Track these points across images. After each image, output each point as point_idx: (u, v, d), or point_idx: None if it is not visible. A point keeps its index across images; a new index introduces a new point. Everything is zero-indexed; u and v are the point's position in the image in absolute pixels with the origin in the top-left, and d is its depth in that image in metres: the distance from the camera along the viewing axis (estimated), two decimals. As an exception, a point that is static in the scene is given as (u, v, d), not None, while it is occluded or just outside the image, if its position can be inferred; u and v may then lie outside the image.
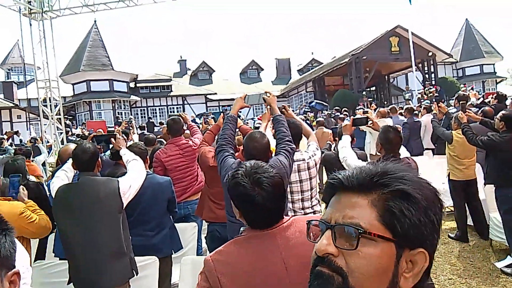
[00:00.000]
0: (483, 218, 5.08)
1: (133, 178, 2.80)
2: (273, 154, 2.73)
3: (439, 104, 5.43)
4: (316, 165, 3.27)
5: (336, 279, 0.71)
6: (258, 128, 8.10)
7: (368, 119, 3.73)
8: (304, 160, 3.23)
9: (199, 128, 6.10)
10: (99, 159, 2.87)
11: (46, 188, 4.03)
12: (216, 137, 4.05)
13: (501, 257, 4.49)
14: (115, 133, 3.50)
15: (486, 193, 4.79)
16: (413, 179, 0.75)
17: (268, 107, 3.16)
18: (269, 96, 3.12)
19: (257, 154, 2.56)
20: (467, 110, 5.16)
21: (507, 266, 4.20)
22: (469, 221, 5.24)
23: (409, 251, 0.73)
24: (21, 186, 3.08)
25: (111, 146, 3.39)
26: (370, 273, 0.71)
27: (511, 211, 4.17)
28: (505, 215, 4.22)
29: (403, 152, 3.48)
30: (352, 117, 3.91)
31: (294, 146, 2.81)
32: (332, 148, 4.78)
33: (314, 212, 3.25)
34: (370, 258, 0.71)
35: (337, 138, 4.44)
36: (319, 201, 3.34)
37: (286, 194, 2.75)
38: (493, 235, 4.71)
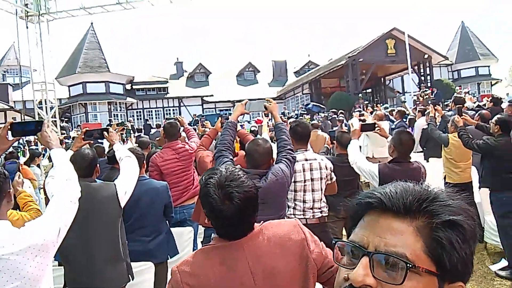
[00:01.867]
0: (478, 221, 5.11)
1: (128, 179, 2.77)
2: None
3: (435, 107, 5.48)
4: (327, 168, 3.32)
5: None
6: (254, 131, 8.09)
7: (376, 125, 3.83)
8: (316, 159, 3.29)
9: (195, 130, 6.11)
10: (97, 164, 2.86)
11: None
12: (214, 142, 4.07)
13: (496, 260, 4.52)
14: (107, 127, 3.40)
15: (481, 196, 4.82)
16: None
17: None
18: (270, 104, 3.13)
19: (259, 159, 2.61)
20: (463, 113, 5.20)
21: (501, 269, 4.23)
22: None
23: (448, 284, 0.67)
24: (18, 173, 3.03)
25: (107, 144, 3.31)
26: None
27: (506, 215, 4.20)
28: (500, 219, 4.24)
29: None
30: (360, 122, 3.97)
31: (295, 155, 2.85)
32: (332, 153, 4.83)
33: (321, 213, 3.28)
34: None
35: (335, 142, 4.46)
36: (326, 205, 3.38)
37: (280, 206, 2.76)
38: (488, 238, 4.74)
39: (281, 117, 3.25)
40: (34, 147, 11.31)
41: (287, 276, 1.49)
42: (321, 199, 3.30)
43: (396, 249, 0.65)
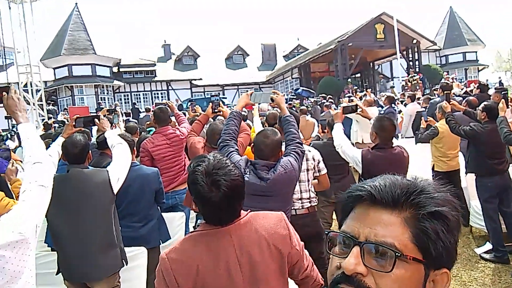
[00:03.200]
0: (464, 205, 5.23)
1: (121, 166, 2.77)
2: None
3: (451, 102, 5.10)
4: (314, 160, 3.31)
5: None
6: (244, 116, 8.06)
7: (358, 106, 3.82)
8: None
9: (186, 115, 6.08)
10: (90, 151, 2.84)
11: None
12: (204, 129, 4.05)
13: (481, 244, 4.65)
14: (98, 114, 3.36)
15: (467, 181, 4.92)
16: (446, 198, 0.73)
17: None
18: (277, 96, 3.01)
19: (267, 151, 2.55)
20: (451, 100, 5.24)
21: (486, 252, 4.36)
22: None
23: (433, 271, 0.72)
24: (11, 161, 2.99)
25: (96, 129, 3.26)
26: None
27: (490, 200, 4.32)
28: (485, 203, 4.35)
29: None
30: (342, 105, 3.96)
31: (304, 149, 2.75)
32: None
33: (310, 202, 3.30)
34: (402, 281, 0.68)
35: (327, 129, 4.47)
36: (316, 196, 3.39)
37: (288, 199, 2.68)
38: (473, 222, 4.86)
39: (270, 103, 3.20)
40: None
41: (269, 268, 1.55)
42: (308, 190, 3.31)
43: (385, 239, 0.69)
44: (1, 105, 1.91)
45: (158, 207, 3.56)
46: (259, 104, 4.19)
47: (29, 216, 1.63)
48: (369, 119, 3.91)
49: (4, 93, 1.88)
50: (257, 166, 2.46)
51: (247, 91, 3.31)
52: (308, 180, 3.31)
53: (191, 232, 1.63)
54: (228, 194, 1.50)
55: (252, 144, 2.70)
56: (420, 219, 0.70)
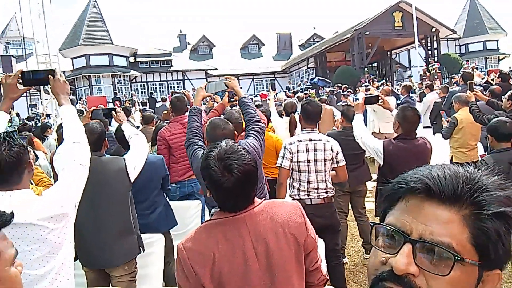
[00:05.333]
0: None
1: (138, 154, 2.81)
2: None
3: (474, 92, 5.01)
4: (333, 151, 3.27)
5: None
6: (259, 105, 8.06)
7: (379, 98, 3.78)
8: (320, 140, 3.26)
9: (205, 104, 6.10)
10: (106, 138, 2.87)
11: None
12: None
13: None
14: (115, 107, 3.42)
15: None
16: (511, 197, 0.67)
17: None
18: (230, 81, 3.16)
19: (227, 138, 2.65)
20: (474, 89, 5.14)
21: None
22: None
23: (486, 271, 0.67)
24: (28, 149, 3.06)
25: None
26: None
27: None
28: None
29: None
30: (364, 95, 3.93)
31: (263, 125, 2.92)
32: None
33: (327, 193, 3.28)
34: (456, 283, 0.63)
35: (341, 118, 4.45)
36: (333, 187, 3.36)
37: (258, 180, 2.80)
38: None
39: (285, 92, 3.23)
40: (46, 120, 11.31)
41: (285, 256, 1.55)
42: (325, 180, 3.26)
43: (442, 238, 0.63)
44: (24, 95, 1.97)
45: (164, 194, 3.60)
46: (215, 94, 4.25)
47: (69, 192, 1.75)
48: (391, 111, 3.86)
49: (50, 75, 1.98)
50: None
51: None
52: (325, 171, 3.26)
53: (207, 220, 1.65)
54: (241, 179, 1.50)
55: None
56: (482, 219, 0.64)
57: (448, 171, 0.68)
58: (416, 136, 3.26)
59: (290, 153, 3.22)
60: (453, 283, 0.63)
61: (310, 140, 3.24)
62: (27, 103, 21.78)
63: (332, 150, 3.27)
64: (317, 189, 3.24)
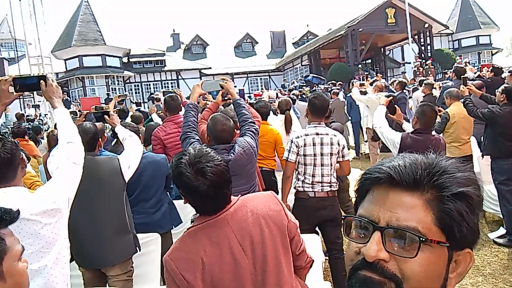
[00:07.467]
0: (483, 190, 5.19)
1: (132, 155, 2.82)
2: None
3: (468, 86, 4.99)
4: (339, 145, 3.29)
5: (389, 286, 0.66)
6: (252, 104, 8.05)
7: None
8: (327, 134, 3.28)
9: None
10: (102, 136, 2.88)
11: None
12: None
13: (494, 228, 4.62)
14: (107, 110, 3.46)
15: (481, 166, 4.87)
16: (469, 177, 0.70)
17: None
18: (226, 83, 3.26)
19: (227, 135, 2.72)
20: (467, 84, 5.16)
21: (499, 237, 4.33)
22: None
23: (457, 252, 0.69)
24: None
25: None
26: (427, 280, 0.66)
27: (506, 182, 4.30)
28: (500, 186, 4.34)
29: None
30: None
31: (257, 127, 3.00)
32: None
33: (330, 187, 3.29)
34: (426, 264, 0.66)
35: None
36: (337, 182, 3.38)
37: (252, 178, 2.90)
38: (487, 207, 4.81)
39: (280, 90, 3.29)
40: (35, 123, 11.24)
41: (271, 245, 1.57)
42: (330, 174, 3.27)
43: (408, 223, 0.66)
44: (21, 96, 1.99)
45: (168, 193, 3.61)
46: (208, 93, 4.33)
47: (62, 188, 1.80)
48: (400, 125, 3.94)
49: (41, 80, 2.07)
50: (218, 151, 2.52)
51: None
52: (331, 165, 3.27)
53: (189, 228, 1.65)
54: (214, 180, 1.52)
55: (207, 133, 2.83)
56: (444, 201, 0.67)
57: (408, 159, 0.72)
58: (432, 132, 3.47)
59: (296, 146, 3.24)
60: (423, 264, 0.66)
61: (317, 134, 3.26)
62: (20, 105, 21.60)
63: (338, 144, 3.29)
64: (321, 182, 3.25)
